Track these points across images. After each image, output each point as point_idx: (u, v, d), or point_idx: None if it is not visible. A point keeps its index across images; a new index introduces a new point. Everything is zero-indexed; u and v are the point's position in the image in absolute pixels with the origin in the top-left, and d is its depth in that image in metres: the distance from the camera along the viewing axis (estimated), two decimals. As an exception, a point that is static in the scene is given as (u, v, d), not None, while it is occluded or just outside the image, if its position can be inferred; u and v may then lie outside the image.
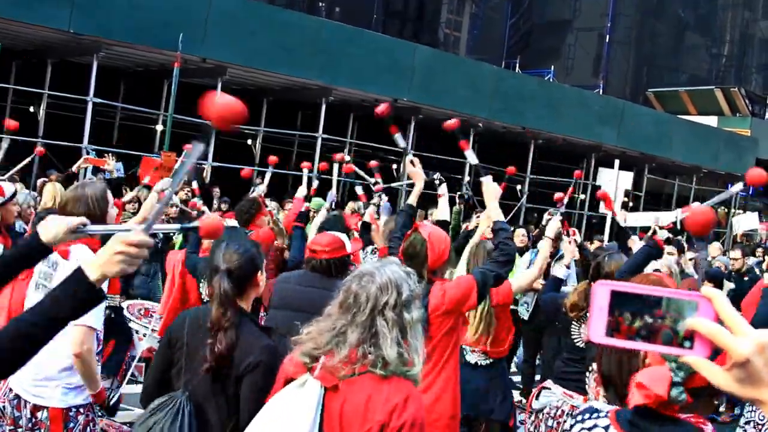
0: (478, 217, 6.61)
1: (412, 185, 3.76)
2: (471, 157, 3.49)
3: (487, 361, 3.69)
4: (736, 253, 7.18)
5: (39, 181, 6.49)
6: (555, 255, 5.73)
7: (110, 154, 5.13)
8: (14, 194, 3.63)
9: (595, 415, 1.50)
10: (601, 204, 10.52)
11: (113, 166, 4.84)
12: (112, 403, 2.63)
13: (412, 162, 3.59)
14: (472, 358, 3.71)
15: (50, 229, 1.78)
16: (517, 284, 3.64)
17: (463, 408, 3.29)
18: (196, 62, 10.68)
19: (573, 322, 3.50)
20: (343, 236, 3.57)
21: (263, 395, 1.96)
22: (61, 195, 2.87)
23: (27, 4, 8.99)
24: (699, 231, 1.85)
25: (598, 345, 1.34)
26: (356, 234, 4.90)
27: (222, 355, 2.06)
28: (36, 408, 2.52)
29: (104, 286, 2.59)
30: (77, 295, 1.39)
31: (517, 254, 6.40)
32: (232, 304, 2.11)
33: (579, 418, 1.53)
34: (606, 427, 1.45)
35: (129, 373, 4.39)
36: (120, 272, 1.42)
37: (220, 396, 2.08)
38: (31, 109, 12.10)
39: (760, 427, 3.33)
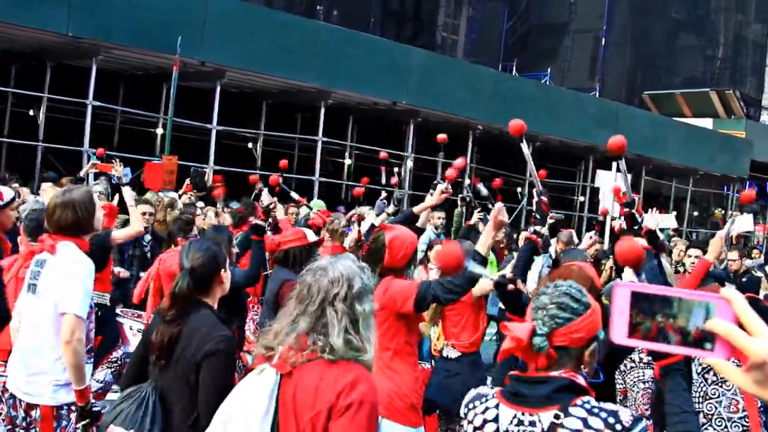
0: (479, 212, 6.66)
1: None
2: (482, 190, 3.63)
3: (456, 354, 3.79)
4: (734, 254, 7.20)
5: (44, 185, 6.48)
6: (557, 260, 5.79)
7: (116, 159, 5.13)
8: (13, 199, 3.65)
9: (483, 399, 1.65)
10: (600, 205, 10.57)
11: (121, 171, 4.85)
12: (95, 410, 2.64)
13: (443, 191, 3.74)
14: (445, 351, 3.86)
15: None
16: (478, 288, 3.61)
17: (428, 394, 3.46)
18: (195, 65, 10.68)
19: None
20: (304, 229, 3.84)
21: (221, 382, 2.09)
22: (48, 201, 2.92)
23: (25, 7, 8.98)
24: (628, 263, 1.94)
25: (560, 308, 1.54)
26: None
27: (157, 347, 2.18)
28: (29, 407, 2.57)
29: (92, 279, 2.68)
30: None
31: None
32: (184, 300, 2.22)
33: (471, 406, 1.66)
34: (496, 405, 1.60)
35: (124, 369, 4.40)
36: None
37: (182, 385, 2.16)
38: (31, 112, 12.07)
39: (710, 416, 3.38)
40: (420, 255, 5.37)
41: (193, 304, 2.24)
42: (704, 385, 3.41)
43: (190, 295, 2.23)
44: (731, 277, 6.98)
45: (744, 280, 6.95)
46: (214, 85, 11.06)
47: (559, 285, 1.63)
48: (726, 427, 3.27)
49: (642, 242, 3.13)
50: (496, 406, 1.60)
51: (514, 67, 19.65)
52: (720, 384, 3.34)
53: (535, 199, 2.98)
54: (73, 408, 2.59)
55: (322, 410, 1.74)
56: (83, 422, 2.55)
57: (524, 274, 2.87)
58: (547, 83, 18.53)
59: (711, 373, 3.38)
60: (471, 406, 1.67)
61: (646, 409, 4.04)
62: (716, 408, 3.34)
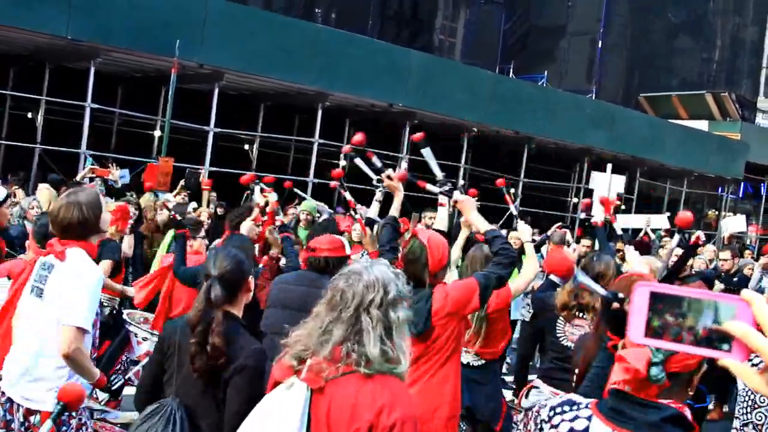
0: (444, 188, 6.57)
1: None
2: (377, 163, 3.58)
3: (480, 362, 3.74)
4: (726, 254, 7.26)
5: (40, 185, 6.56)
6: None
7: (113, 163, 5.20)
8: (6, 198, 3.66)
9: (575, 406, 1.54)
10: (594, 207, 10.63)
11: (117, 175, 4.91)
12: (114, 387, 2.64)
13: (389, 177, 3.57)
14: (465, 358, 3.74)
15: None
16: (515, 287, 3.63)
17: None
18: (194, 68, 10.76)
19: (558, 321, 3.55)
20: (343, 238, 3.68)
21: (249, 398, 1.98)
22: (54, 201, 2.88)
23: (24, 9, 9.03)
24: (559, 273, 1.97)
25: (637, 346, 1.39)
26: (350, 237, 4.96)
27: (212, 357, 2.07)
28: (29, 412, 2.52)
29: (99, 289, 2.64)
30: None
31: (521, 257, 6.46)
32: (221, 310, 2.13)
33: (559, 410, 1.56)
34: (588, 417, 1.49)
35: (126, 375, 4.45)
36: None
37: (210, 401, 2.08)
38: (29, 114, 12.15)
39: (760, 427, 3.32)
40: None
41: (222, 314, 2.13)
42: (752, 394, 3.34)
43: (223, 304, 2.13)
44: (723, 276, 7.05)
45: (735, 279, 7.02)
46: (212, 87, 11.13)
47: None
48: None
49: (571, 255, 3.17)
50: (589, 418, 1.49)
51: (512, 70, 19.75)
52: None
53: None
54: (74, 414, 2.54)
55: (361, 427, 1.67)
56: (105, 397, 2.50)
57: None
58: (544, 85, 18.62)
59: None
60: (559, 410, 1.57)
61: None
62: (766, 416, 3.28)
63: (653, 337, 1.00)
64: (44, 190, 5.95)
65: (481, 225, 2.99)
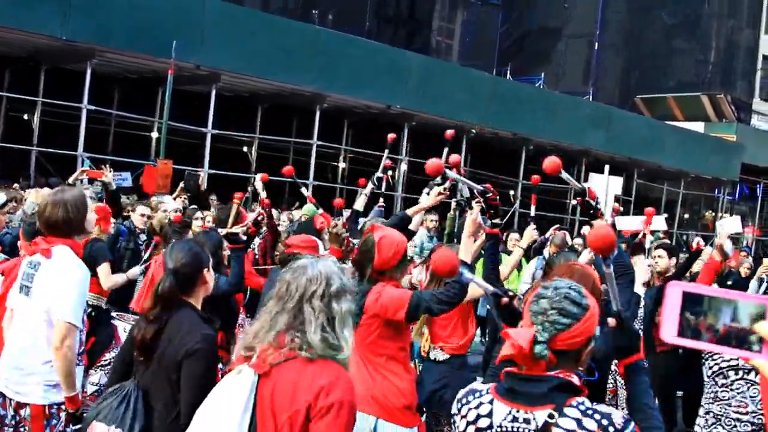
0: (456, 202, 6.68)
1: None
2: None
3: (445, 357, 3.81)
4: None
5: (28, 190, 6.50)
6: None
7: (107, 165, 5.15)
8: (5, 203, 3.65)
9: (477, 393, 1.67)
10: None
11: (110, 177, 4.88)
12: (80, 415, 2.64)
13: (439, 193, 3.66)
14: (432, 354, 3.86)
15: None
16: (470, 293, 3.65)
17: (420, 399, 3.44)
18: (191, 69, 10.72)
19: None
20: (317, 240, 3.79)
21: (202, 381, 2.09)
22: (42, 199, 2.92)
23: (20, 11, 8.99)
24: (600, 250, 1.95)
25: (561, 314, 1.56)
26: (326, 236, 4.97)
27: (140, 344, 2.21)
28: (19, 405, 2.57)
29: (86, 286, 2.67)
30: None
31: (522, 260, 6.48)
32: (166, 300, 2.24)
33: (464, 401, 1.67)
34: (490, 401, 1.61)
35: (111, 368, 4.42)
36: None
37: (164, 383, 2.18)
38: (25, 116, 12.08)
39: (719, 417, 3.49)
40: (416, 257, 5.46)
41: (176, 304, 2.26)
42: (715, 387, 3.50)
43: (173, 295, 2.25)
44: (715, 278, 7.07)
45: (730, 283, 7.04)
46: (209, 88, 11.10)
47: (559, 287, 1.61)
48: (735, 426, 3.39)
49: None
50: (491, 402, 1.61)
51: (509, 71, 19.78)
52: (729, 387, 3.44)
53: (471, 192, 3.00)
54: (62, 407, 2.60)
55: (300, 409, 1.75)
56: (75, 427, 2.57)
57: (494, 270, 2.82)
58: (542, 87, 18.65)
59: (721, 376, 3.45)
60: (464, 401, 1.67)
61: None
62: (726, 409, 3.45)
63: (684, 337, 1.00)
64: (33, 193, 5.92)
65: (464, 251, 2.93)
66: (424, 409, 3.84)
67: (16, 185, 8.38)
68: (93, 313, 3.90)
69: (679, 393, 5.19)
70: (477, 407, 1.63)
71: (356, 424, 1.85)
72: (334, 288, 1.86)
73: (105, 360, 4.34)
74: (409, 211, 3.64)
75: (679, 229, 18.54)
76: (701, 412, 3.64)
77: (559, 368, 1.55)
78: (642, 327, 4.34)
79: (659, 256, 5.14)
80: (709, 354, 3.52)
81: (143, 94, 12.48)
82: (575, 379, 1.56)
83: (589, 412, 1.50)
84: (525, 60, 21.65)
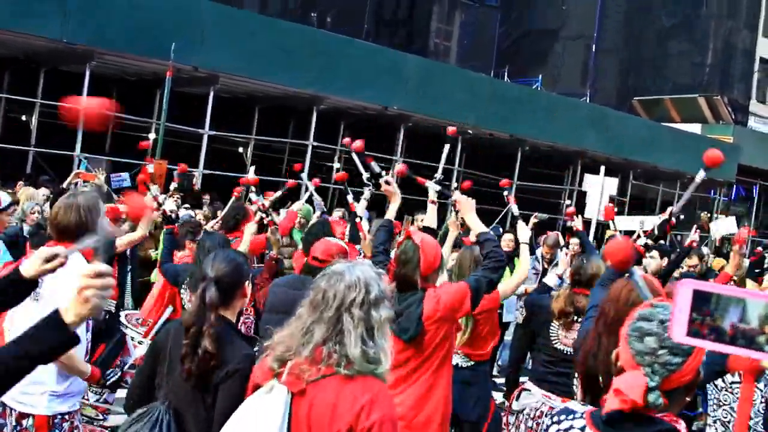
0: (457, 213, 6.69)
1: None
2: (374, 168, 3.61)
3: (469, 363, 3.75)
4: (693, 260, 7.19)
5: (20, 183, 6.54)
6: (552, 262, 5.90)
7: (101, 168, 5.20)
8: (9, 205, 3.66)
9: (570, 416, 1.54)
10: (587, 209, 10.74)
11: (102, 180, 4.92)
12: (110, 381, 2.67)
13: (387, 182, 3.54)
14: (454, 359, 3.72)
15: (29, 264, 1.80)
16: (503, 289, 3.65)
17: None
18: (189, 71, 10.79)
19: (551, 324, 3.55)
20: (344, 245, 3.61)
21: (239, 403, 1.92)
22: (55, 204, 2.91)
23: (19, 13, 9.06)
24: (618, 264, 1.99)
25: (671, 353, 1.39)
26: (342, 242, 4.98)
27: (203, 360, 2.03)
28: (21, 415, 2.52)
29: (82, 327, 2.64)
30: (51, 339, 1.40)
31: (514, 260, 6.52)
32: (215, 313, 2.09)
33: (555, 419, 1.57)
34: (582, 428, 1.48)
35: (121, 378, 4.46)
36: (94, 309, 1.39)
37: (199, 406, 2.04)
38: (24, 117, 12.16)
39: (726, 423, 3.41)
40: None
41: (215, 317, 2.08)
42: (716, 392, 3.43)
43: (218, 307, 2.08)
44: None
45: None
46: (207, 90, 11.17)
47: (664, 319, 1.40)
48: None
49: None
50: (582, 429, 1.49)
51: (506, 73, 19.85)
52: (729, 390, 3.37)
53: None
54: (66, 417, 2.56)
55: (341, 430, 1.67)
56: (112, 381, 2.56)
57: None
58: (539, 89, 18.72)
59: (719, 380, 3.37)
60: (556, 419, 1.57)
61: None
62: (731, 414, 3.36)
63: (694, 336, 1.00)
64: (22, 188, 5.96)
65: (477, 226, 2.97)
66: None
67: (20, 183, 8.45)
68: (107, 317, 3.91)
69: None
70: (566, 430, 1.53)
71: None
72: (373, 295, 1.75)
73: (109, 369, 4.38)
74: (388, 216, 3.49)
75: (674, 230, 18.59)
76: (709, 421, 3.55)
77: (669, 409, 1.43)
78: None
79: (651, 257, 5.13)
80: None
81: (141, 96, 12.56)
82: (682, 426, 1.44)
83: None
84: (523, 61, 21.72)
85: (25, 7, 9.10)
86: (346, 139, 3.88)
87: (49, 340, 1.40)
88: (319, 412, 1.68)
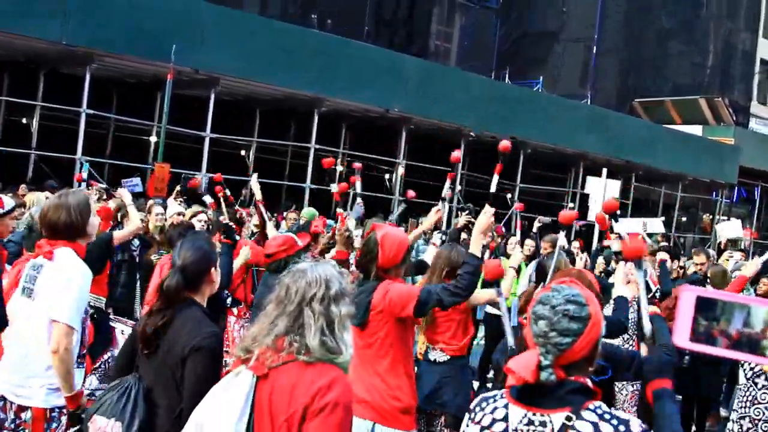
0: (467, 213, 6.77)
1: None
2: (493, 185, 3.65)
3: (445, 358, 3.84)
4: (701, 258, 7.16)
5: (22, 186, 6.51)
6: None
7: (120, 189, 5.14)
8: (13, 209, 3.64)
9: (491, 399, 1.66)
10: (590, 212, 10.73)
11: (101, 187, 4.92)
12: (80, 414, 2.64)
13: (438, 211, 3.87)
14: (432, 355, 3.87)
15: None
16: (474, 298, 3.68)
17: (419, 400, 3.44)
18: (189, 73, 10.75)
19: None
20: (293, 236, 3.88)
21: (205, 379, 2.07)
22: (45, 203, 2.92)
23: (19, 16, 9.01)
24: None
25: (562, 335, 1.54)
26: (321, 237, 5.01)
27: (145, 337, 2.19)
28: (20, 408, 2.57)
29: (87, 288, 2.68)
30: None
31: (522, 264, 6.56)
32: (171, 296, 2.23)
33: (477, 408, 1.67)
34: (506, 405, 1.61)
35: (108, 374, 4.42)
36: None
37: (168, 380, 2.16)
38: (24, 120, 12.11)
39: (756, 421, 3.44)
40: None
41: (182, 301, 2.25)
42: (753, 390, 3.47)
43: (179, 292, 2.23)
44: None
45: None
46: (208, 93, 11.13)
47: (556, 305, 1.55)
48: None
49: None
50: (505, 406, 1.59)
51: (507, 75, 19.84)
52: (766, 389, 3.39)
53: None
54: (64, 411, 2.60)
55: (297, 411, 1.77)
56: (74, 429, 2.56)
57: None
58: (539, 90, 18.71)
59: (762, 377, 3.42)
60: (477, 408, 1.66)
61: (633, 413, 4.12)
62: (764, 413, 3.41)
63: (697, 342, 0.99)
64: (28, 194, 5.96)
65: (474, 246, 2.98)
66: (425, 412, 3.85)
67: (23, 186, 8.39)
68: (95, 315, 3.91)
69: (678, 396, 5.23)
70: (492, 412, 1.61)
71: (353, 428, 1.85)
72: (333, 291, 1.87)
73: (98, 363, 4.34)
74: (410, 237, 3.69)
75: (677, 232, 18.58)
76: (734, 416, 3.57)
77: (571, 377, 1.54)
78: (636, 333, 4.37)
79: (662, 259, 5.14)
80: None
81: (142, 98, 12.52)
82: (589, 382, 1.55)
83: (607, 416, 1.48)
84: (523, 63, 21.71)
85: (26, 8, 9.06)
86: (455, 155, 3.98)
87: None
88: (280, 394, 1.80)
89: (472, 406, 1.68)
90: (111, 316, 4.42)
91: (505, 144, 3.49)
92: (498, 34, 22.16)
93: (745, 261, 9.32)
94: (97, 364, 4.33)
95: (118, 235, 4.40)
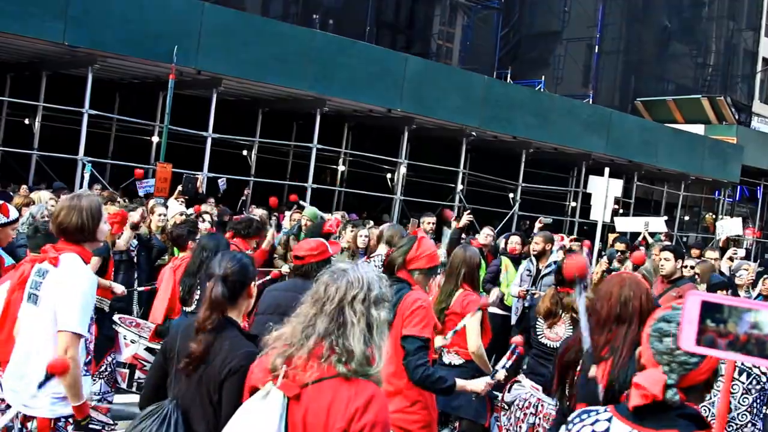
0: (469, 213, 6.82)
1: None
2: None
3: (460, 361, 3.83)
4: (714, 254, 7.17)
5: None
6: (542, 256, 6.00)
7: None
8: (17, 219, 3.62)
9: (594, 413, 1.61)
10: (592, 211, 10.71)
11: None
12: (90, 426, 2.64)
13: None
14: (447, 358, 3.87)
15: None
16: (473, 341, 3.77)
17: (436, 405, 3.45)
18: (191, 74, 10.77)
19: (538, 321, 3.72)
20: (324, 242, 3.75)
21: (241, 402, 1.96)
22: (58, 204, 2.89)
23: (21, 18, 9.04)
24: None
25: (688, 353, 1.46)
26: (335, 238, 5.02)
27: (195, 356, 2.06)
28: (26, 418, 2.53)
29: (93, 294, 2.64)
30: None
31: (511, 264, 6.59)
32: (220, 310, 2.12)
33: (577, 419, 1.62)
34: (608, 419, 1.56)
35: (113, 377, 4.40)
36: None
37: (205, 403, 2.06)
38: (26, 121, 12.13)
39: (742, 427, 3.40)
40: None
41: (220, 315, 2.12)
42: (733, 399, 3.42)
43: (224, 304, 2.12)
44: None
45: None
46: (210, 93, 11.14)
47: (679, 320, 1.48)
48: None
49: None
50: (609, 420, 1.56)
51: (509, 75, 19.81)
52: None
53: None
54: (70, 420, 2.56)
55: None
56: None
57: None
58: (542, 90, 18.69)
59: None
60: (577, 419, 1.63)
61: None
62: (747, 417, 3.35)
63: (704, 345, 1.01)
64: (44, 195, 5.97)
65: (460, 384, 3.03)
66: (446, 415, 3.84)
67: (24, 187, 8.41)
68: (95, 317, 3.92)
69: None
70: (593, 423, 1.58)
71: None
72: (374, 294, 1.78)
73: (102, 366, 4.31)
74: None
75: (680, 231, 18.54)
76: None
77: (689, 401, 1.51)
78: None
79: (666, 259, 5.08)
80: None
81: (144, 99, 12.54)
82: (702, 414, 1.53)
83: None
84: (525, 63, 21.68)
85: (28, 10, 9.08)
86: (447, 212, 4.15)
87: None
88: (315, 415, 1.69)
89: (571, 418, 1.65)
90: (115, 318, 4.40)
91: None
92: (500, 34, 22.13)
93: (747, 261, 9.30)
94: (102, 367, 4.31)
95: (121, 242, 4.40)
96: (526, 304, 5.91)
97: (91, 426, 2.67)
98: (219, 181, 6.48)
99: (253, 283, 2.26)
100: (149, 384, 2.32)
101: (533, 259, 6.17)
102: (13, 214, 3.47)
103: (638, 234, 10.47)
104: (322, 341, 1.73)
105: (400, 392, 2.87)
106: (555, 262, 5.96)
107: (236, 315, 2.20)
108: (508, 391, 3.72)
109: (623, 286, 2.35)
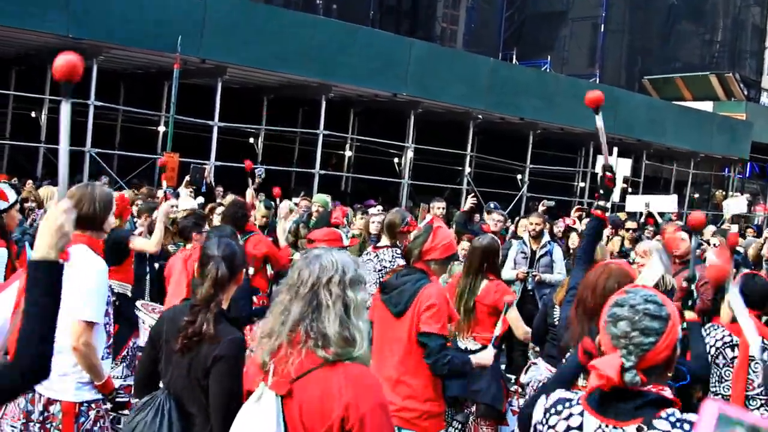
0: (473, 196, 6.77)
1: None
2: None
3: (477, 346, 3.81)
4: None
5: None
6: (539, 236, 5.96)
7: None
8: (17, 201, 3.64)
9: (567, 404, 1.64)
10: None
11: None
12: (118, 400, 2.70)
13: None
14: (462, 344, 3.86)
15: None
16: (516, 327, 3.84)
17: (452, 389, 3.48)
18: (196, 63, 10.75)
19: (555, 308, 3.71)
20: (340, 231, 3.74)
21: (228, 388, 2.03)
22: (69, 192, 2.92)
23: (25, 11, 9.04)
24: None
25: (644, 333, 1.50)
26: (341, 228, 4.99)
27: (192, 331, 2.09)
28: (49, 402, 2.57)
29: (105, 281, 2.63)
30: (48, 276, 1.58)
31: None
32: (223, 289, 2.16)
33: (553, 411, 1.65)
34: (581, 413, 1.59)
35: (134, 362, 4.45)
36: (66, 238, 1.55)
37: (196, 388, 2.10)
38: (33, 114, 12.17)
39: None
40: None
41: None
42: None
43: (225, 284, 2.15)
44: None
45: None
46: (215, 82, 11.12)
47: (634, 303, 1.54)
48: None
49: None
50: (581, 414, 1.59)
51: (514, 56, 19.66)
52: None
53: (600, 173, 2.97)
54: (93, 406, 2.62)
55: (334, 423, 1.69)
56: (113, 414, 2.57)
57: (591, 251, 2.85)
58: (548, 71, 18.54)
59: None
60: (553, 411, 1.64)
61: None
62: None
63: None
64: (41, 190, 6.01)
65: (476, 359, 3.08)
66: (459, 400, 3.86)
67: (29, 182, 8.44)
68: (117, 302, 3.94)
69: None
70: (567, 418, 1.61)
71: None
72: (349, 276, 1.79)
73: (125, 351, 4.37)
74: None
75: (690, 209, 18.44)
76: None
77: (651, 383, 1.53)
78: None
79: (681, 239, 4.98)
80: None
81: (149, 89, 12.53)
82: (668, 393, 1.54)
83: (678, 423, 1.47)
84: (530, 44, 21.49)
85: (32, 4, 9.08)
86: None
87: (46, 277, 1.57)
88: (309, 409, 1.71)
89: (546, 407, 1.66)
90: (138, 305, 4.42)
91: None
92: (504, 16, 21.92)
93: (755, 237, 9.24)
94: (124, 352, 4.35)
95: (134, 245, 4.40)
96: (529, 287, 5.82)
97: (117, 400, 2.73)
98: (256, 170, 6.49)
99: (243, 269, 2.29)
100: (140, 375, 2.36)
101: (526, 240, 6.07)
102: (11, 196, 3.49)
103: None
104: (298, 326, 1.74)
105: (410, 385, 2.87)
106: (549, 242, 5.95)
107: (225, 298, 2.23)
108: (525, 373, 3.77)
109: (609, 277, 2.36)
